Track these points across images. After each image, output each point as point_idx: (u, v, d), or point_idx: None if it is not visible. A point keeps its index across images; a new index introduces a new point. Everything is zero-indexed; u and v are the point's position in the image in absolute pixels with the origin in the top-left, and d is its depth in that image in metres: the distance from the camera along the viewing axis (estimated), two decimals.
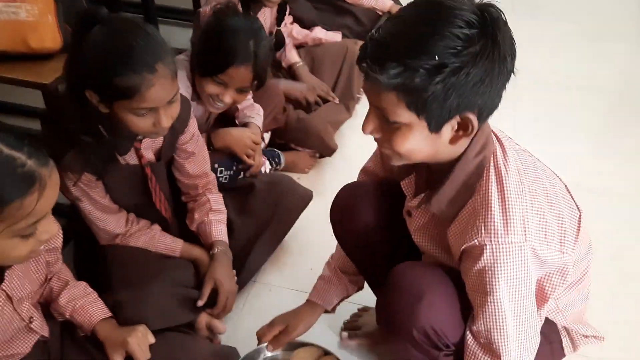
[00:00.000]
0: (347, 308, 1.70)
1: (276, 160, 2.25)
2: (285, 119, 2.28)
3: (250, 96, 2.04)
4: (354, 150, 2.41)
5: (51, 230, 0.99)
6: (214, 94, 1.74)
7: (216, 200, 1.73)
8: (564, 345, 1.36)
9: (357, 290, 1.57)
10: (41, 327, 1.26)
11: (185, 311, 1.52)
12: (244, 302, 1.78)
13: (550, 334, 1.31)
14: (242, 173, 1.95)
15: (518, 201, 1.08)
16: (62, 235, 1.28)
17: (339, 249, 1.55)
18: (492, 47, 0.97)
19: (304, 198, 1.92)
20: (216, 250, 1.63)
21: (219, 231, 1.68)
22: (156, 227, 1.63)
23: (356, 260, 1.50)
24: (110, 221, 1.53)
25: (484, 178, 1.10)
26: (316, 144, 2.34)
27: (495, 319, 1.12)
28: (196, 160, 1.66)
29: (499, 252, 1.07)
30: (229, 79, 1.70)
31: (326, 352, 1.48)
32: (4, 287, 1.13)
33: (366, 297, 1.61)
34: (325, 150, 2.36)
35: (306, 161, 2.34)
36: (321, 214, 2.02)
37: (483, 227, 1.07)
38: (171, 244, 1.64)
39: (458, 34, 0.95)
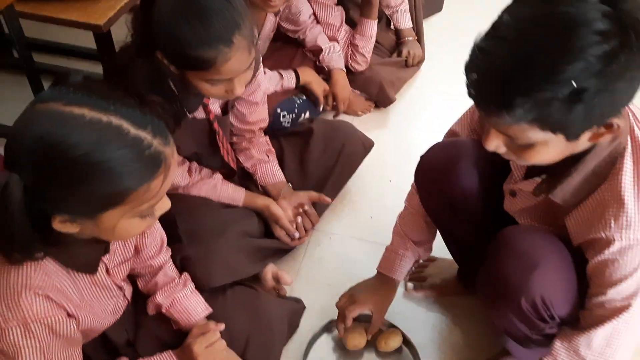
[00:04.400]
0: None
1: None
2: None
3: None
4: (409, 104, 2.30)
5: (165, 207, 0.95)
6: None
7: (269, 142, 1.71)
8: None
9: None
10: (128, 295, 1.22)
11: (252, 263, 1.49)
12: (304, 251, 1.75)
13: None
14: (302, 115, 1.87)
15: None
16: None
17: (411, 215, 1.43)
18: (638, 51, 0.81)
19: (366, 144, 1.84)
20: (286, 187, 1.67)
21: (280, 172, 1.69)
22: (218, 176, 1.58)
23: (441, 223, 1.41)
24: (175, 174, 1.48)
25: (618, 166, 0.99)
26: (375, 92, 2.22)
27: (619, 314, 1.04)
28: (259, 110, 1.60)
29: (629, 249, 0.99)
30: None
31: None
32: (104, 259, 1.09)
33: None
34: (384, 100, 2.24)
35: (362, 104, 2.23)
36: (378, 159, 1.97)
37: (613, 221, 0.99)
38: (233, 194, 1.59)
39: (595, 51, 0.80)
